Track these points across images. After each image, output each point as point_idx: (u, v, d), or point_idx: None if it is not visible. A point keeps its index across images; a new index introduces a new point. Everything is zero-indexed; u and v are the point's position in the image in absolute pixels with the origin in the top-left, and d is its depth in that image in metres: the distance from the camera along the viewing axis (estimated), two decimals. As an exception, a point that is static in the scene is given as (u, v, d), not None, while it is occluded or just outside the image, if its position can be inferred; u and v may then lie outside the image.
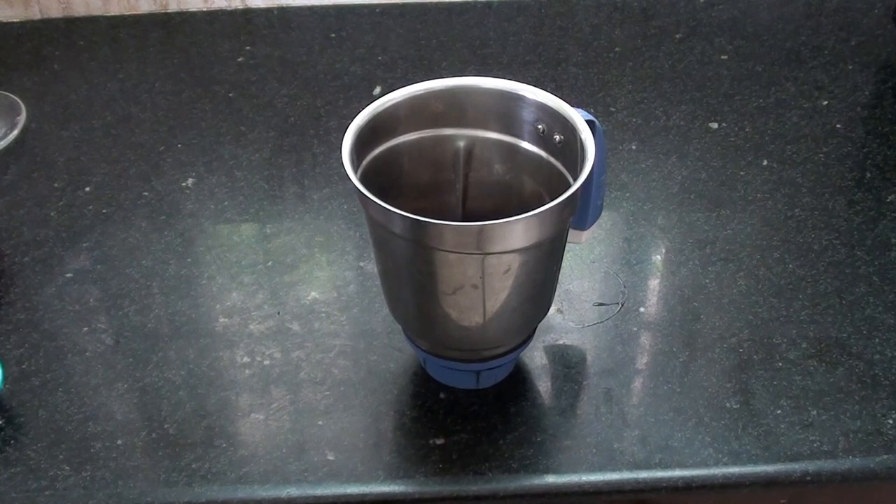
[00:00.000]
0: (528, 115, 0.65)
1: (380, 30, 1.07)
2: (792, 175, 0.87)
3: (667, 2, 1.11)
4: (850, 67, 1.01)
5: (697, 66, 1.01)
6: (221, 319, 0.75)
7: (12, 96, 0.98)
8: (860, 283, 0.77)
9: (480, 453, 0.65)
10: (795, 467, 0.64)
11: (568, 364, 0.72)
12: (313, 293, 0.77)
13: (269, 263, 0.80)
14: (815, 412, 0.67)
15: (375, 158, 0.64)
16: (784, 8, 1.10)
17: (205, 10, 1.11)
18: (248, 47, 1.06)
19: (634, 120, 0.94)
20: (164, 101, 0.98)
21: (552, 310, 0.73)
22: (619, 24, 1.08)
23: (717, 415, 0.67)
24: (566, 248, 0.65)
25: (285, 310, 0.76)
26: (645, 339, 0.73)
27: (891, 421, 0.66)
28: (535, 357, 0.72)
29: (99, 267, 0.80)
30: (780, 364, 0.70)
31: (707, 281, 0.77)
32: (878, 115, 0.95)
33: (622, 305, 0.75)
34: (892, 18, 1.08)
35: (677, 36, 1.06)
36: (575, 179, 0.59)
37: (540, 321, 0.68)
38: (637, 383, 0.70)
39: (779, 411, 0.67)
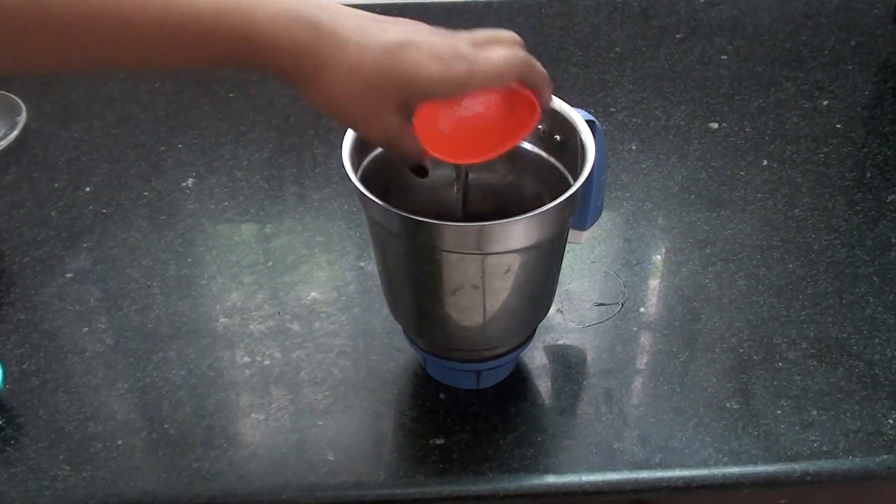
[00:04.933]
0: (528, 115, 0.64)
1: (380, 30, 1.07)
2: (792, 175, 0.87)
3: (667, 2, 1.11)
4: (850, 67, 1.01)
5: (697, 66, 1.01)
6: (221, 319, 0.75)
7: (12, 96, 0.98)
8: (860, 283, 0.77)
9: (480, 453, 0.65)
10: (795, 467, 0.64)
11: (568, 364, 0.72)
12: (313, 293, 0.77)
13: (269, 263, 0.80)
14: (815, 412, 0.67)
15: (375, 158, 0.64)
16: (784, 8, 1.10)
17: (205, 10, 1.11)
18: (248, 47, 1.06)
19: (634, 120, 0.94)
20: (164, 101, 0.98)
21: (552, 310, 0.73)
22: (619, 24, 1.08)
23: (717, 415, 0.67)
24: (566, 248, 0.65)
25: (285, 310, 0.76)
26: (645, 339, 0.73)
27: (891, 421, 0.66)
28: (535, 357, 0.72)
29: (99, 267, 0.80)
30: (780, 364, 0.70)
31: (707, 281, 0.77)
32: (878, 115, 0.95)
33: (622, 305, 0.75)
34: (892, 18, 1.08)
35: (677, 36, 1.06)
36: (575, 179, 0.59)
37: (540, 321, 0.68)
38: (637, 383, 0.70)
39: (779, 411, 0.67)
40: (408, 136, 0.55)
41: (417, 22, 0.56)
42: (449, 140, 0.56)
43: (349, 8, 0.52)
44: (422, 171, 0.58)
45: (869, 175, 0.87)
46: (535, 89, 0.56)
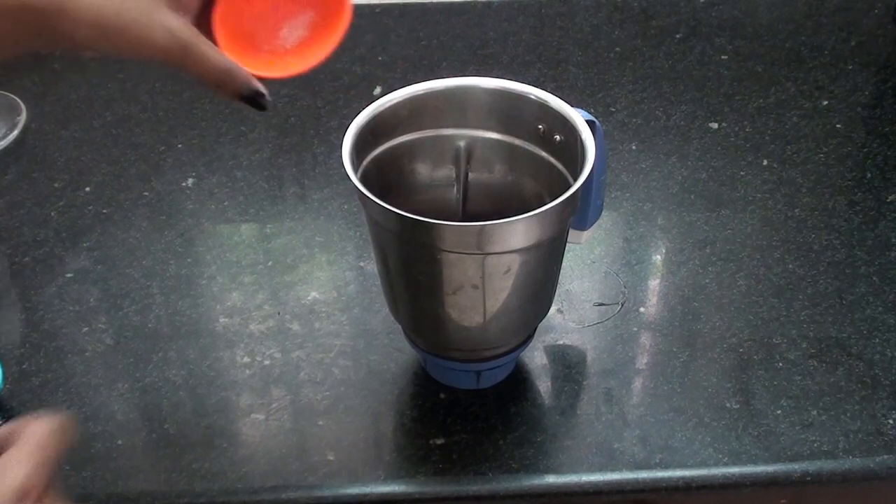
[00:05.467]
0: (528, 115, 0.65)
1: (380, 30, 1.07)
2: (792, 175, 0.87)
3: (667, 2, 1.11)
4: (850, 67, 1.01)
5: (697, 66, 1.01)
6: (221, 319, 0.75)
7: (12, 96, 0.98)
8: (860, 283, 0.77)
9: (480, 453, 0.65)
10: (795, 467, 0.64)
11: (568, 364, 0.72)
12: (313, 293, 0.77)
13: (269, 263, 0.80)
14: (815, 412, 0.67)
15: (375, 158, 0.64)
16: (784, 8, 1.10)
17: (205, 10, 1.11)
18: (248, 47, 1.06)
19: (634, 120, 0.94)
20: (164, 101, 0.98)
21: (552, 310, 0.73)
22: (619, 24, 1.08)
23: (717, 415, 0.67)
24: (566, 248, 0.65)
25: (285, 310, 0.76)
26: (645, 339, 0.73)
27: (891, 421, 0.66)
28: (535, 357, 0.72)
29: (99, 267, 0.80)
30: (780, 364, 0.70)
31: (707, 281, 0.77)
32: (878, 115, 0.95)
33: (622, 305, 0.75)
34: (892, 18, 1.08)
35: (677, 36, 1.06)
36: (575, 179, 0.59)
37: (540, 321, 0.68)
38: (637, 383, 0.70)
39: (779, 411, 0.67)
40: (202, 41, 0.47)
41: None
42: (259, 52, 0.51)
43: None
44: (258, 99, 0.49)
45: (869, 175, 0.87)
46: None
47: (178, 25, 0.47)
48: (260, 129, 0.94)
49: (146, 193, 0.87)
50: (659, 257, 0.80)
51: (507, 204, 0.67)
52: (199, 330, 0.74)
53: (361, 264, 0.79)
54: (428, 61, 1.03)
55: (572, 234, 0.67)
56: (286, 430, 0.67)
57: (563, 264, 0.67)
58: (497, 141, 0.66)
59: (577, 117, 0.61)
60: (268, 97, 0.49)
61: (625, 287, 0.77)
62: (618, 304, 0.76)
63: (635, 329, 0.74)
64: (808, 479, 0.64)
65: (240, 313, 0.75)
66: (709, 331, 0.73)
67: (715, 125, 0.94)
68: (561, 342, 0.73)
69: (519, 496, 0.64)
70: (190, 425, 0.67)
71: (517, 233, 0.57)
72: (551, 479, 0.64)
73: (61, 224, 0.84)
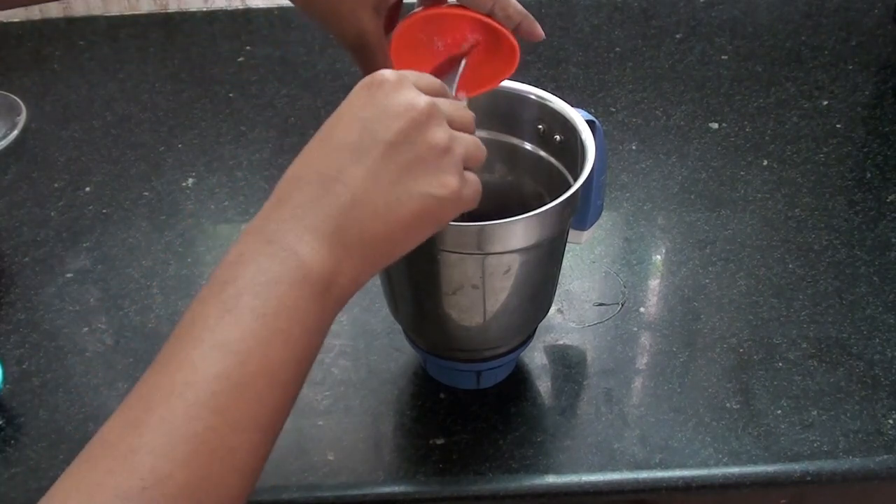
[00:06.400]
0: (528, 115, 0.65)
1: (380, 30, 1.07)
2: (792, 175, 0.87)
3: (667, 2, 1.11)
4: (850, 67, 1.01)
5: (697, 66, 1.01)
6: (221, 319, 0.75)
7: (12, 96, 0.98)
8: (860, 283, 0.77)
9: (480, 453, 0.65)
10: (795, 467, 0.64)
11: (568, 364, 0.72)
12: (313, 293, 0.77)
13: (269, 263, 0.80)
14: (815, 412, 0.67)
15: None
16: (784, 8, 1.10)
17: (205, 10, 1.11)
18: (248, 47, 1.06)
19: (634, 120, 0.94)
20: (164, 101, 0.98)
21: (552, 310, 0.73)
22: (619, 24, 1.08)
23: (717, 415, 0.67)
24: (566, 248, 0.65)
25: (285, 310, 0.75)
26: (645, 339, 0.73)
27: (891, 421, 0.66)
28: (535, 357, 0.72)
29: (99, 267, 0.80)
30: (780, 364, 0.70)
31: (707, 281, 0.77)
32: (878, 115, 0.95)
33: (622, 305, 0.75)
34: (892, 18, 1.08)
35: (677, 36, 1.06)
36: (575, 179, 0.59)
37: (540, 321, 0.68)
38: (637, 383, 0.70)
39: (779, 411, 0.67)
40: (382, 49, 0.53)
41: None
42: (421, 68, 0.55)
43: None
44: None
45: (869, 175, 0.87)
46: (515, 24, 0.55)
47: (370, 30, 0.53)
48: (260, 129, 0.94)
49: (146, 193, 0.87)
50: (659, 257, 0.80)
51: (507, 204, 0.67)
52: (199, 330, 0.74)
53: (361, 264, 0.79)
54: (428, 61, 1.03)
55: (572, 234, 0.67)
56: (286, 430, 0.66)
57: (563, 264, 0.67)
58: (497, 141, 0.66)
59: (577, 117, 0.61)
60: None
61: (625, 287, 0.77)
62: (618, 304, 0.76)
63: (635, 329, 0.74)
64: (808, 479, 0.64)
65: (240, 313, 0.75)
66: (709, 331, 0.73)
67: (715, 125, 0.93)
68: (561, 342, 0.73)
69: (519, 496, 0.63)
70: (190, 425, 0.67)
71: (517, 233, 0.57)
72: (551, 479, 0.64)
73: (61, 224, 0.84)
